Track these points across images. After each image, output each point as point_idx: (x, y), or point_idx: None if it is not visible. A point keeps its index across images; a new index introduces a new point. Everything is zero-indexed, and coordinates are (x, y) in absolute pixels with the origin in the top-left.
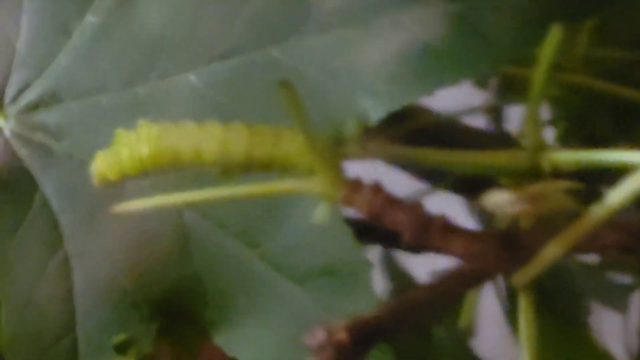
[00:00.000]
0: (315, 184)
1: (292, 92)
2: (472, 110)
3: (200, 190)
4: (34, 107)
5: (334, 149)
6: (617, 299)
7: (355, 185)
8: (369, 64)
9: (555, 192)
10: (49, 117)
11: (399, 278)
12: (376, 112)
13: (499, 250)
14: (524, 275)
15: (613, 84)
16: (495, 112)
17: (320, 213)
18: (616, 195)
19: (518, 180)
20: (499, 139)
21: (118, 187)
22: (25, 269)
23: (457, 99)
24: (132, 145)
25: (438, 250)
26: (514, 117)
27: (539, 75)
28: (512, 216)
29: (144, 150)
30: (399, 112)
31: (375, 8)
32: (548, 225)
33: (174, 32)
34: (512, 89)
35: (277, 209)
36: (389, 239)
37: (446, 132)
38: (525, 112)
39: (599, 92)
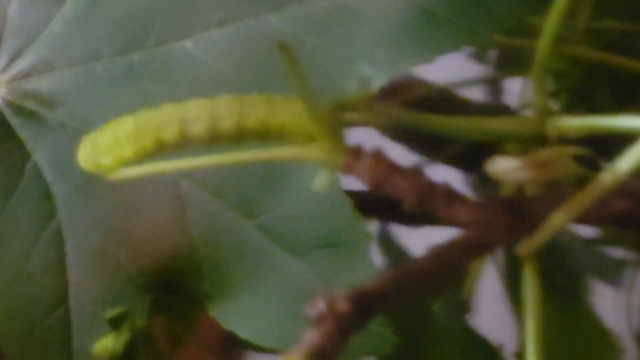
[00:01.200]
0: (315, 151)
1: (290, 55)
2: (470, 83)
3: (198, 157)
4: (26, 74)
5: (335, 115)
6: (616, 275)
7: (357, 152)
8: (369, 31)
9: (563, 158)
10: (42, 85)
11: (395, 254)
12: (376, 79)
13: (504, 218)
14: (530, 244)
15: (614, 55)
16: (493, 85)
17: (320, 181)
18: (624, 163)
19: (523, 146)
20: (497, 111)
21: None
22: (17, 240)
23: (454, 72)
24: (114, 145)
25: (441, 218)
26: (512, 89)
27: (544, 42)
28: (517, 183)
29: (127, 149)
30: (396, 85)
31: None
32: (554, 192)
33: None
34: (509, 62)
35: (275, 179)
36: (386, 213)
37: (443, 104)
38: (531, 79)
39: (600, 64)
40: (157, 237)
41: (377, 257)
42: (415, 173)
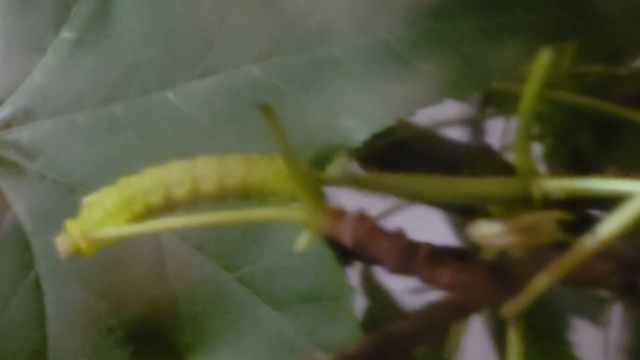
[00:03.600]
0: (296, 212)
1: (271, 114)
2: (452, 122)
3: (179, 216)
4: (6, 125)
5: (316, 175)
6: (596, 313)
7: (339, 213)
8: (352, 84)
9: (546, 222)
10: (22, 135)
11: (378, 295)
12: (359, 134)
13: (488, 280)
14: (514, 306)
15: (597, 98)
16: (475, 124)
17: (302, 241)
18: (607, 226)
19: (507, 207)
20: (480, 152)
21: None
22: None
23: (436, 111)
24: (107, 217)
25: (424, 279)
26: (495, 130)
27: (525, 106)
28: (500, 247)
29: (120, 218)
30: None
31: (360, 28)
32: (537, 255)
33: (152, 48)
34: (492, 101)
35: (257, 232)
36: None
37: (426, 145)
38: (515, 139)
39: (583, 107)
40: (137, 289)
41: (360, 299)
42: (397, 235)
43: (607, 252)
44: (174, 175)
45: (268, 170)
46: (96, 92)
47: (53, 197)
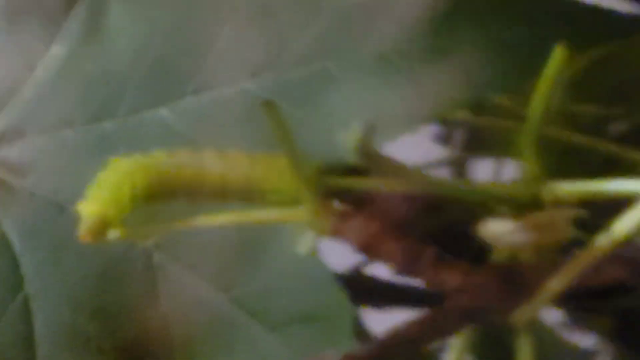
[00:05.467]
0: (301, 213)
1: (275, 112)
2: (436, 165)
3: (178, 220)
4: None
5: (322, 178)
6: None
7: (345, 215)
8: (349, 100)
9: (559, 220)
10: (11, 152)
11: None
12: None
13: (497, 285)
14: (526, 312)
15: (588, 137)
16: (459, 166)
17: (304, 244)
18: (621, 226)
19: (517, 210)
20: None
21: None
22: None
23: (419, 154)
24: (128, 176)
25: (430, 282)
26: (479, 171)
27: (537, 105)
28: (512, 247)
29: (144, 179)
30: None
31: (358, 42)
32: (549, 258)
33: (144, 64)
34: (476, 142)
35: (251, 251)
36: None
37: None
38: (524, 141)
39: (575, 147)
40: (128, 310)
41: None
42: (404, 237)
43: (618, 258)
44: (180, 158)
45: (272, 167)
46: (86, 108)
47: (43, 215)
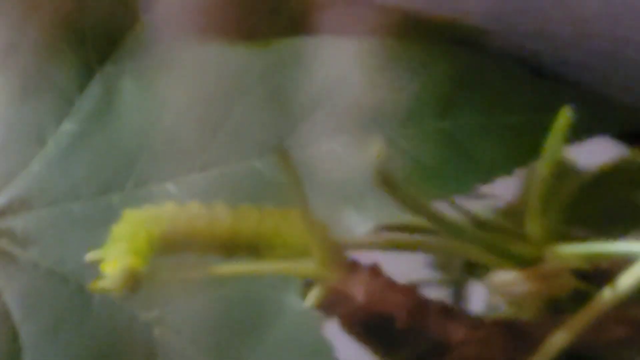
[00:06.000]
0: (310, 265)
1: (288, 161)
2: (433, 284)
3: (194, 267)
4: (1, 214)
5: (331, 233)
6: None
7: (353, 267)
8: (357, 179)
9: (563, 272)
10: (16, 223)
11: None
12: (362, 226)
13: (502, 338)
14: None
15: None
16: (456, 289)
17: (312, 296)
18: (625, 281)
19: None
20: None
21: (84, 298)
22: None
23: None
24: (143, 226)
25: (436, 335)
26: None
27: (544, 166)
28: (517, 297)
29: (158, 229)
30: None
31: (366, 124)
32: (553, 313)
33: (153, 140)
34: (473, 267)
35: (253, 325)
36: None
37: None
38: (529, 205)
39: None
40: None
41: None
42: (409, 290)
43: (624, 317)
44: (190, 210)
45: (281, 222)
46: (94, 182)
47: (45, 286)
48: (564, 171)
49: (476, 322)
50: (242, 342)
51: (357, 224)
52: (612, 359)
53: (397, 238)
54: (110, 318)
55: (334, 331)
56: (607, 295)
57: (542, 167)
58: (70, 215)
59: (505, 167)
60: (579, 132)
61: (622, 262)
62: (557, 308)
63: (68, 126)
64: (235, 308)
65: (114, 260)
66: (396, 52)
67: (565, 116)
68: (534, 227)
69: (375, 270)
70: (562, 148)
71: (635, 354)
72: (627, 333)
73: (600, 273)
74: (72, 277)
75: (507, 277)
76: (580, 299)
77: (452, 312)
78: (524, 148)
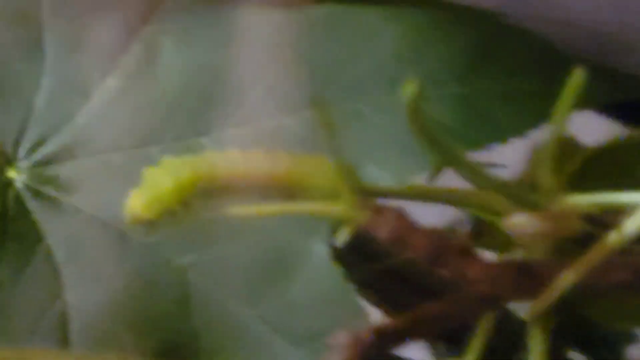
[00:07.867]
0: (339, 207)
1: (326, 109)
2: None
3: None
4: (47, 162)
5: (360, 180)
6: None
7: (380, 209)
8: (379, 137)
9: (573, 215)
10: (61, 171)
11: None
12: (384, 182)
13: (514, 277)
14: (540, 303)
15: None
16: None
17: (342, 235)
18: (632, 224)
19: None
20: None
21: (123, 242)
22: (23, 315)
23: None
24: (175, 171)
25: (454, 273)
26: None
27: (556, 121)
28: (530, 236)
29: (186, 175)
30: (371, 252)
31: (388, 86)
32: (562, 255)
33: (191, 97)
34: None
35: (278, 269)
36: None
37: (419, 275)
38: (543, 154)
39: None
40: (161, 321)
41: None
42: (433, 231)
43: (627, 262)
44: (229, 157)
45: (314, 166)
46: (134, 135)
47: (87, 230)
48: (566, 146)
49: (490, 262)
50: (271, 286)
51: (379, 179)
52: (613, 301)
53: (426, 188)
54: (147, 262)
55: None
56: (613, 238)
57: (555, 119)
58: (111, 164)
59: (518, 129)
60: (588, 99)
61: (630, 211)
62: (566, 251)
63: (111, 81)
64: (265, 255)
65: (135, 201)
66: (424, 20)
67: (577, 76)
68: (545, 175)
69: (400, 214)
70: (572, 106)
71: (635, 297)
72: (628, 277)
73: (608, 218)
74: (112, 222)
75: (521, 219)
76: (588, 243)
77: (471, 252)
78: (537, 112)
